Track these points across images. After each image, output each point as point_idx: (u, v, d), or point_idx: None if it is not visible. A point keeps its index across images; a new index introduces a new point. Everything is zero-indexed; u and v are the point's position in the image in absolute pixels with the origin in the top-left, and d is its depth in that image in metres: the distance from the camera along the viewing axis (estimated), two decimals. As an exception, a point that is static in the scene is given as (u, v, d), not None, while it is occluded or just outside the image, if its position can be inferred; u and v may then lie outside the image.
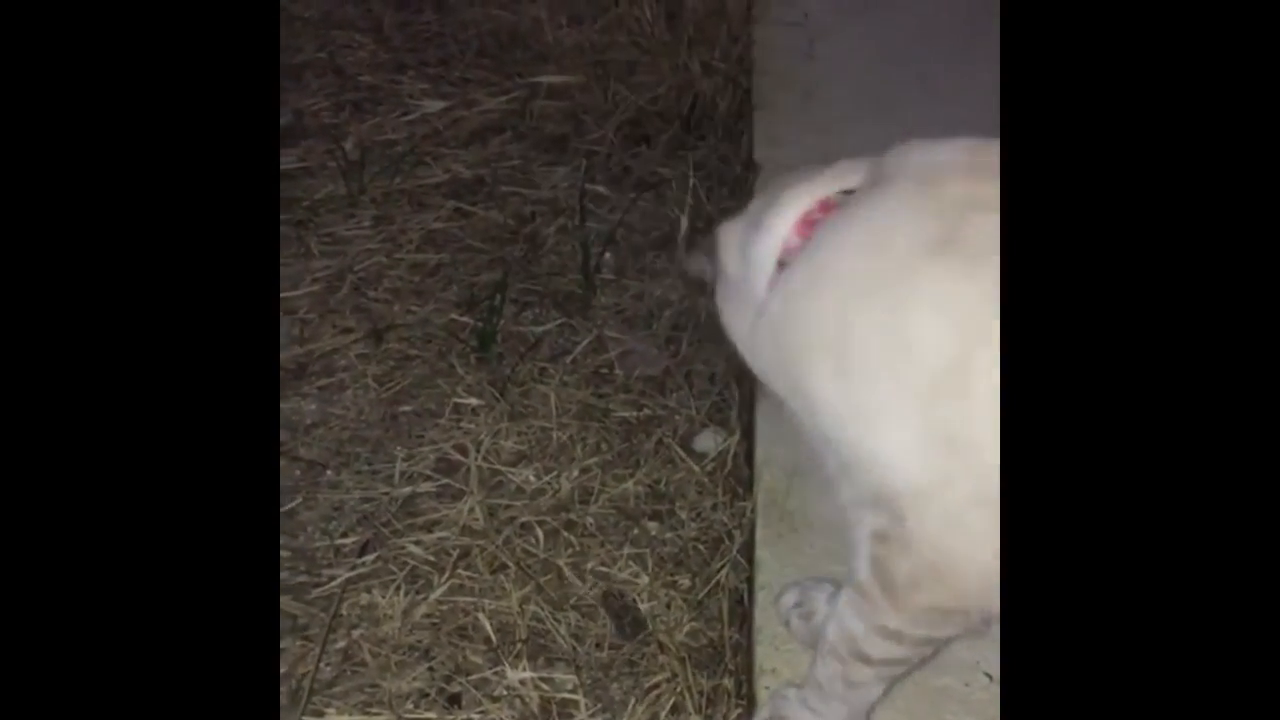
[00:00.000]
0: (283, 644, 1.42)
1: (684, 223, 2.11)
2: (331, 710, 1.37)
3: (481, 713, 1.37)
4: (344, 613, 1.49)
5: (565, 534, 1.59)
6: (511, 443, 1.72)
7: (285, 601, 1.48)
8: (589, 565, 1.55)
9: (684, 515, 1.62)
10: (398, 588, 1.50)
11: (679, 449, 1.70)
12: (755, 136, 2.27)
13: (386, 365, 1.87)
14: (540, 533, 1.58)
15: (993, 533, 0.87)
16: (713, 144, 2.37)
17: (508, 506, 1.62)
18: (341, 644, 1.45)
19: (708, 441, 1.72)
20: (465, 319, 1.94)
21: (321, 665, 1.42)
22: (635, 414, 1.77)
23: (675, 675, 1.40)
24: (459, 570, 1.53)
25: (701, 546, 1.57)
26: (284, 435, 1.71)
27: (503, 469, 1.68)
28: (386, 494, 1.65)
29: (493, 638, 1.45)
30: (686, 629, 1.46)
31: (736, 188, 2.21)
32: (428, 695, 1.40)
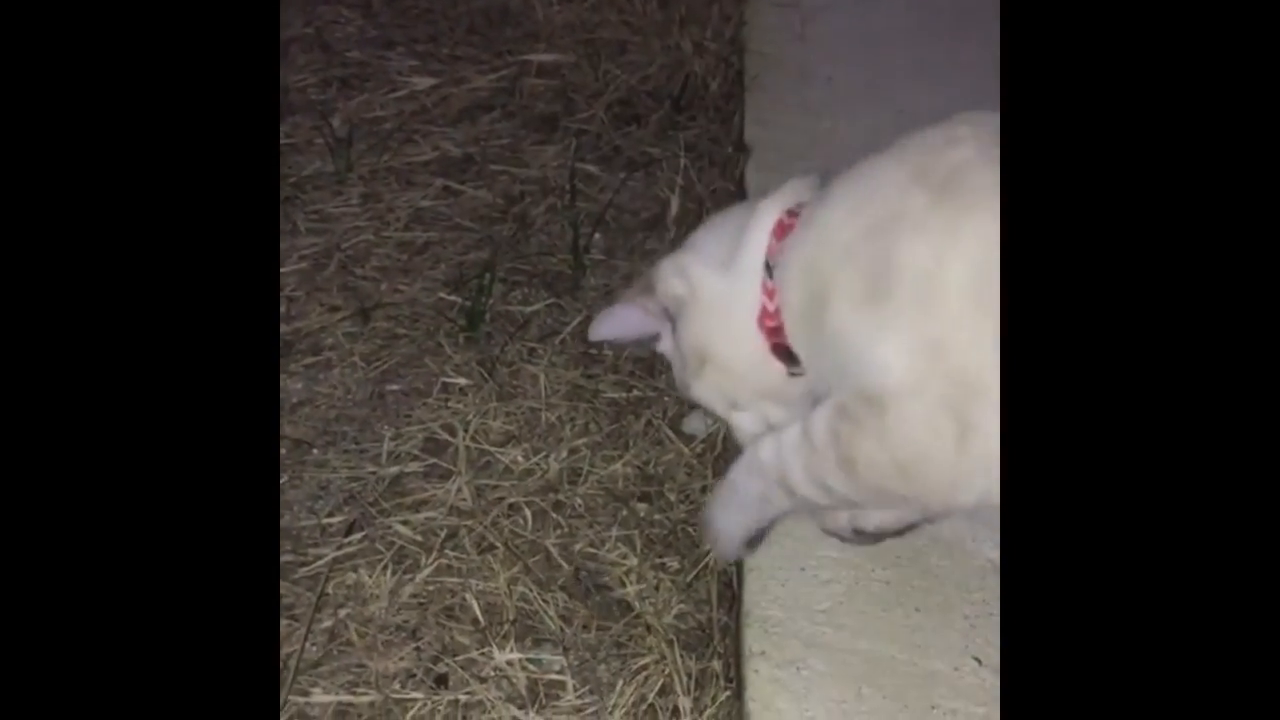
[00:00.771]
0: (268, 623, 1.41)
1: (674, 203, 2.10)
2: (317, 690, 1.37)
3: (469, 693, 1.36)
4: (330, 592, 1.47)
5: (553, 515, 1.58)
6: (500, 423, 1.71)
7: (271, 581, 1.47)
8: (577, 546, 1.54)
9: (673, 497, 1.61)
10: (385, 567, 1.49)
11: (668, 430, 1.69)
12: (746, 117, 2.26)
13: (374, 344, 1.85)
14: (528, 513, 1.58)
15: (954, 440, 1.09)
16: (704, 124, 2.36)
17: (496, 487, 1.61)
18: (328, 624, 1.44)
19: (697, 423, 1.71)
20: (453, 298, 1.92)
21: (307, 645, 1.41)
22: (624, 395, 1.76)
23: (663, 657, 1.39)
24: (446, 550, 1.52)
25: (690, 528, 1.56)
26: (270, 413, 1.69)
27: (491, 449, 1.67)
28: (374, 473, 1.64)
29: (480, 618, 1.44)
30: (675, 611, 1.45)
31: (727, 168, 2.20)
32: (414, 675, 1.39)
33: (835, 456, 1.17)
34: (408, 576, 1.49)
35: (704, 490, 1.60)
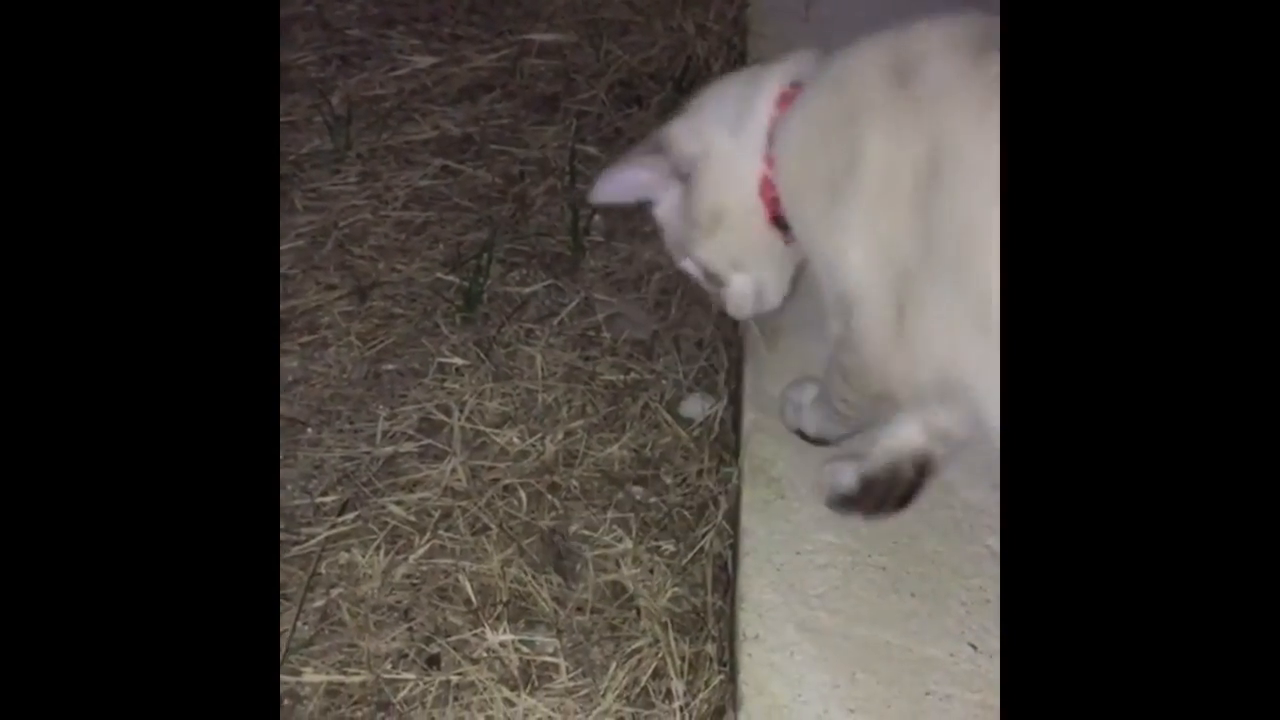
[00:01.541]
0: (260, 602, 1.40)
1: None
2: (309, 670, 1.36)
3: (460, 674, 1.35)
4: (323, 572, 1.47)
5: (549, 497, 1.57)
6: (496, 404, 1.70)
7: (263, 559, 1.46)
8: (572, 529, 1.53)
9: (669, 480, 1.60)
10: (378, 547, 1.48)
11: (665, 414, 1.68)
12: (749, 99, 2.23)
13: (370, 323, 1.84)
14: (523, 495, 1.57)
15: (894, 322, 1.20)
16: (705, 106, 2.34)
17: (491, 468, 1.60)
18: (320, 603, 1.44)
19: (695, 407, 1.70)
20: (451, 278, 1.91)
21: (299, 624, 1.41)
22: (622, 377, 1.75)
23: (657, 640, 1.39)
24: (440, 531, 1.51)
25: (686, 512, 1.55)
26: (265, 392, 1.68)
27: (486, 430, 1.65)
28: (368, 453, 1.63)
29: (473, 599, 1.43)
30: (669, 594, 1.44)
31: (729, 151, 2.17)
32: (406, 656, 1.38)
33: (838, 377, 1.33)
34: (401, 557, 1.48)
35: (700, 474, 1.59)
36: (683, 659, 1.37)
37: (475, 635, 1.39)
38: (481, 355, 1.76)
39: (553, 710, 1.32)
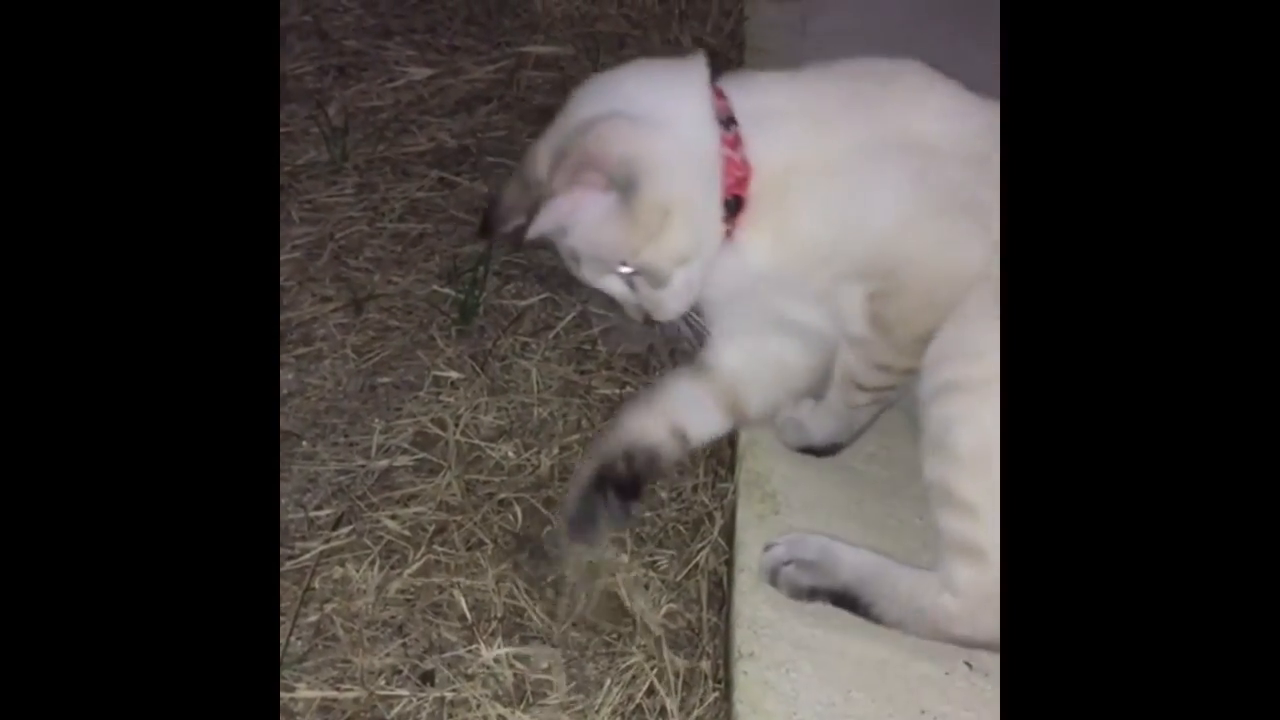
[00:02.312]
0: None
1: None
2: (302, 685, 1.35)
3: (455, 691, 1.34)
4: (316, 586, 1.46)
5: (544, 511, 1.57)
6: (491, 417, 1.69)
7: (257, 574, 1.45)
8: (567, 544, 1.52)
9: (665, 495, 1.59)
10: (372, 562, 1.48)
11: (661, 428, 1.68)
12: (745, 113, 2.24)
13: (366, 336, 1.84)
14: (518, 509, 1.56)
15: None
16: (702, 120, 2.34)
17: (486, 482, 1.60)
18: (313, 618, 1.43)
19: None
20: (447, 290, 1.91)
21: (293, 639, 1.40)
22: (618, 391, 1.75)
23: (652, 656, 1.38)
24: (435, 546, 1.50)
25: (682, 527, 1.55)
26: (259, 404, 1.68)
27: (482, 444, 1.65)
28: (363, 467, 1.62)
29: (468, 615, 1.43)
30: (665, 610, 1.44)
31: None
32: (400, 672, 1.38)
33: (878, 333, 1.37)
34: (395, 572, 1.47)
35: (695, 489, 1.59)
36: (677, 675, 1.36)
37: (470, 651, 1.39)
38: (477, 368, 1.76)
39: (547, 727, 1.32)
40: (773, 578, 1.35)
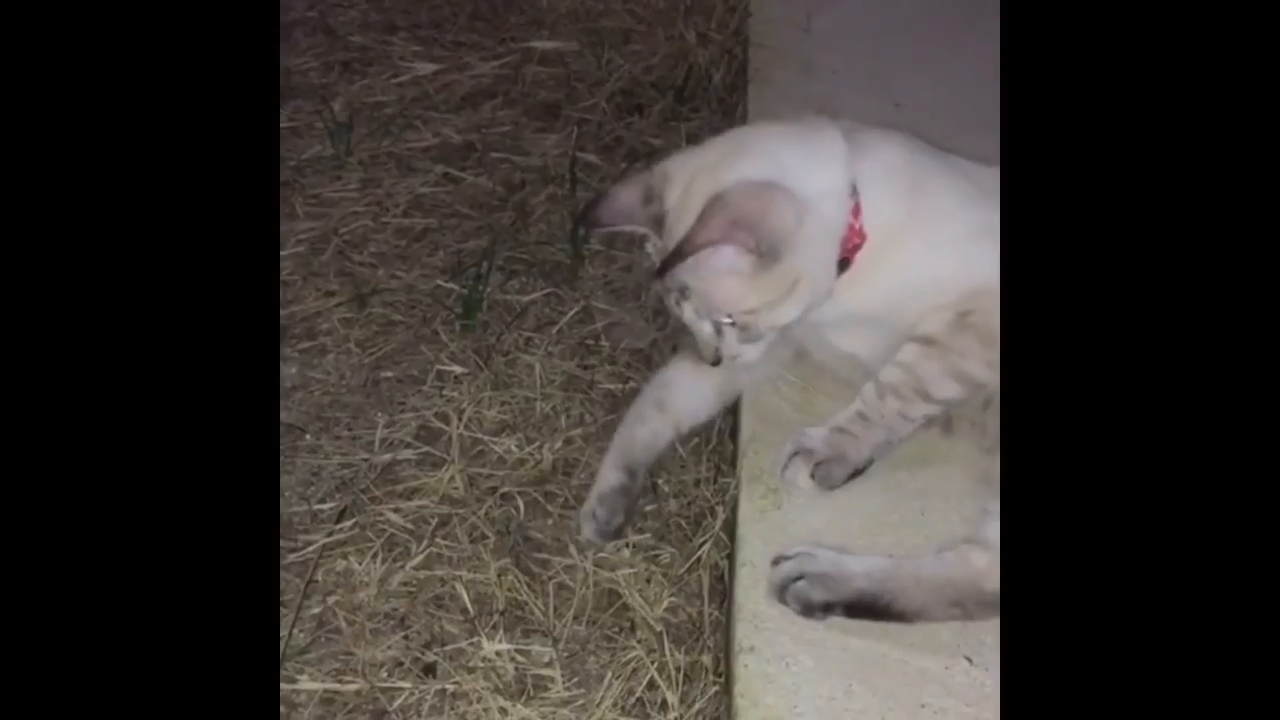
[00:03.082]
0: (257, 609, 1.40)
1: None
2: (304, 677, 1.36)
3: (456, 684, 1.35)
4: (319, 579, 1.47)
5: (546, 505, 1.57)
6: (494, 412, 1.70)
7: (260, 566, 1.46)
8: (569, 538, 1.53)
9: (667, 490, 1.60)
10: (375, 555, 1.48)
11: (663, 423, 1.68)
12: (749, 109, 2.24)
13: (369, 330, 1.85)
14: (521, 503, 1.57)
15: None
16: (706, 116, 2.35)
17: (489, 476, 1.61)
18: (316, 610, 1.44)
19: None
20: (451, 285, 1.91)
21: (295, 632, 1.41)
22: (621, 386, 1.75)
23: (653, 650, 1.39)
24: (438, 539, 1.51)
25: (684, 522, 1.55)
26: (263, 398, 1.68)
27: (485, 438, 1.66)
28: (366, 460, 1.63)
29: (470, 608, 1.43)
30: (666, 604, 1.44)
31: (729, 161, 2.18)
32: (402, 664, 1.38)
33: (975, 340, 1.38)
34: (398, 565, 1.48)
35: (698, 484, 1.60)
36: (678, 669, 1.37)
37: (471, 644, 1.39)
38: (480, 363, 1.77)
39: (547, 720, 1.33)
40: (781, 594, 1.31)
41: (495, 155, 2.22)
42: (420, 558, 1.48)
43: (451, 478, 1.59)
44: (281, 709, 1.33)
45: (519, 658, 1.38)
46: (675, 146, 2.19)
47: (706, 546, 1.50)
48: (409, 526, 1.53)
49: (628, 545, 1.51)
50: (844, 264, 1.42)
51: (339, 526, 1.53)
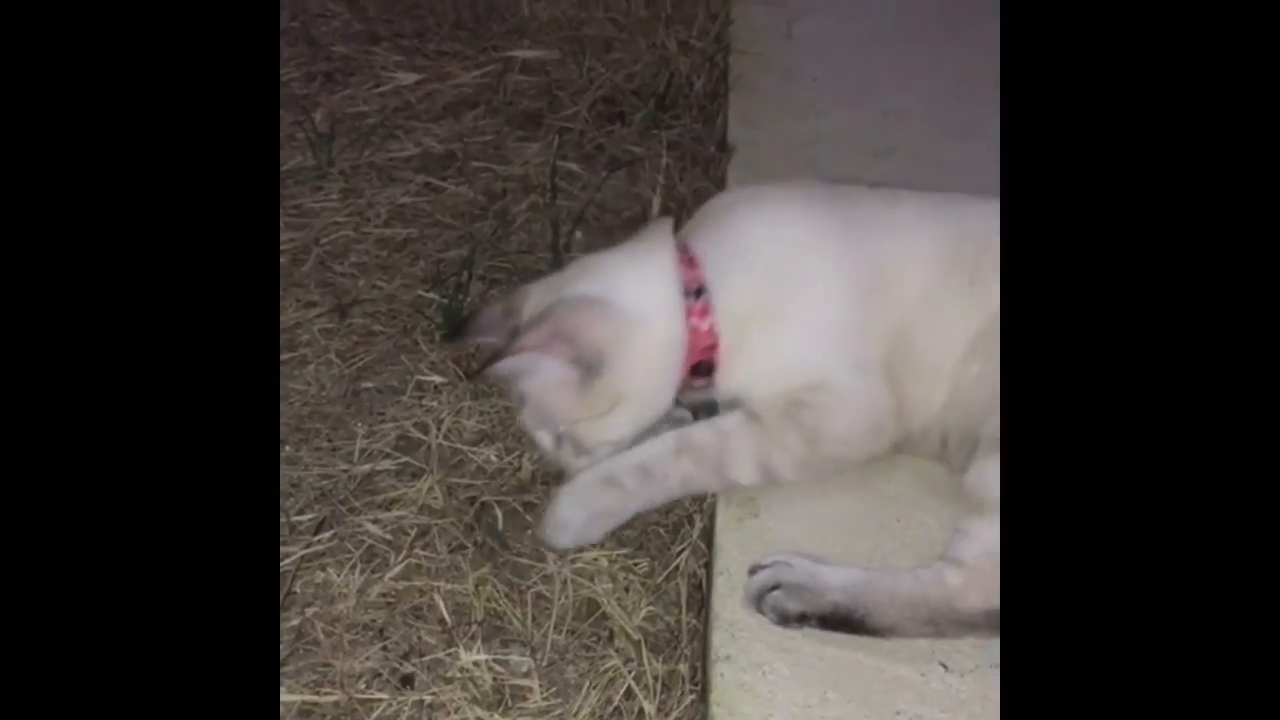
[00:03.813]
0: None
1: (655, 202, 2.09)
2: (282, 689, 1.35)
3: (434, 694, 1.35)
4: (298, 590, 1.46)
5: (525, 515, 1.57)
6: (473, 422, 1.70)
7: (238, 578, 1.46)
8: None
9: (646, 498, 1.60)
10: (353, 566, 1.48)
11: (643, 431, 1.68)
12: (730, 117, 2.25)
13: (350, 341, 1.85)
14: (500, 513, 1.57)
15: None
16: (687, 124, 2.35)
17: (468, 486, 1.61)
18: (294, 622, 1.43)
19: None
20: (431, 295, 1.92)
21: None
22: (600, 395, 1.75)
23: (630, 659, 1.39)
24: (416, 550, 1.51)
25: (662, 530, 1.56)
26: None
27: (464, 448, 1.66)
28: (345, 471, 1.63)
29: (448, 619, 1.43)
30: (644, 613, 1.44)
31: (709, 168, 2.19)
32: (380, 675, 1.38)
33: (801, 438, 1.41)
34: (376, 575, 1.48)
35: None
36: (656, 678, 1.37)
37: (449, 655, 1.39)
38: (459, 373, 1.77)
39: (525, 730, 1.33)
40: (757, 603, 1.32)
41: (477, 164, 2.23)
42: (399, 568, 1.48)
43: (430, 488, 1.59)
44: (260, 721, 1.33)
45: (497, 668, 1.38)
46: (656, 154, 2.22)
47: (684, 555, 1.50)
48: (387, 537, 1.53)
49: (606, 556, 1.51)
50: (707, 367, 1.46)
51: (317, 538, 1.52)
